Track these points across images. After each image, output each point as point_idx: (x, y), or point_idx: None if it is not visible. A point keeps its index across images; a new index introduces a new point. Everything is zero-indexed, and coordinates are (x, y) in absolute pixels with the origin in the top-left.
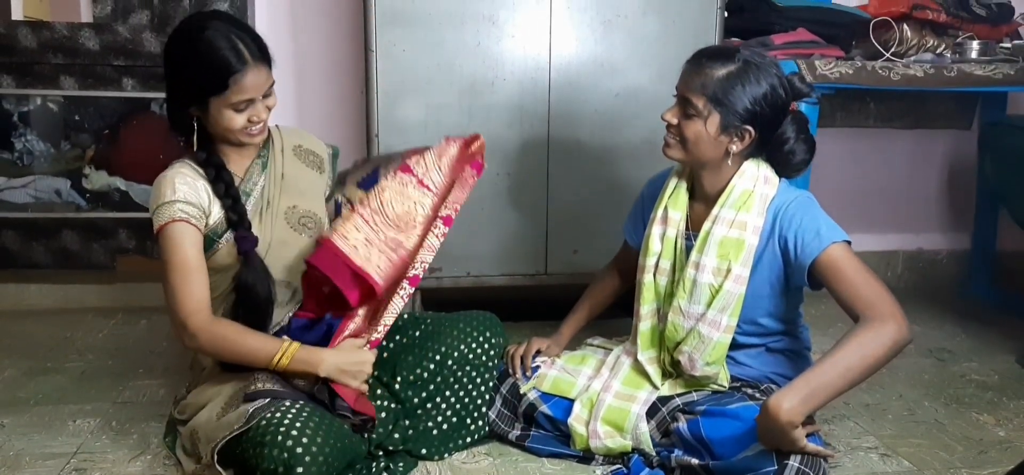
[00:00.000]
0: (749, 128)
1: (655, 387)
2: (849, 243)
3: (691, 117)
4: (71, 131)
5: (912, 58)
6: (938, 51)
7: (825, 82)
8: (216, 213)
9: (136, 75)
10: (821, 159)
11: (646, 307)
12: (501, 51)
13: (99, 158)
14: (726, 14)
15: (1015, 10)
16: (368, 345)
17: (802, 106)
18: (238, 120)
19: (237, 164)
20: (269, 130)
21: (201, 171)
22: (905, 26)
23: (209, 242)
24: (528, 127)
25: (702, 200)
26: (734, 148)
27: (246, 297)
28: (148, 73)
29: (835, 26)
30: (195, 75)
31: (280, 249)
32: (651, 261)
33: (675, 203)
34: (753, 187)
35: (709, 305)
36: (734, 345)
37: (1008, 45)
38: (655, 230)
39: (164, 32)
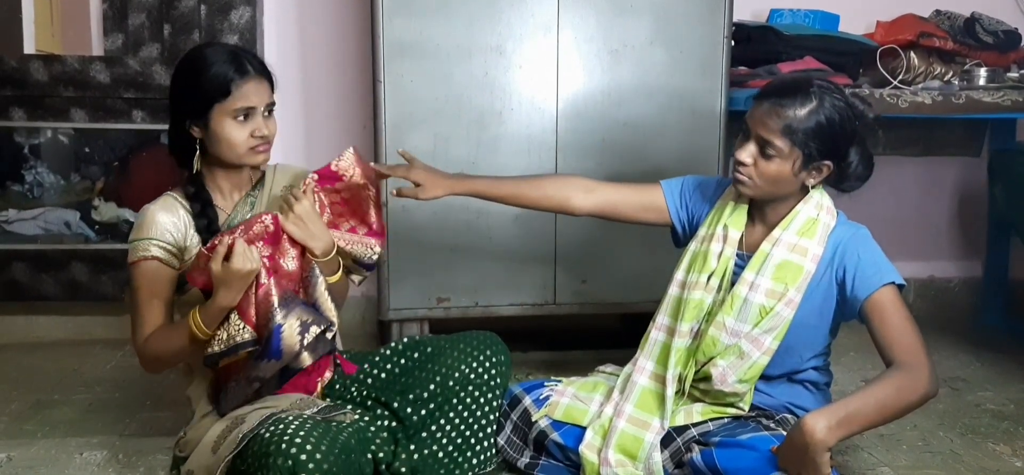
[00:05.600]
0: (828, 162)
1: (668, 409)
2: (902, 287)
3: (771, 157)
4: (81, 163)
5: (920, 86)
6: (946, 79)
7: None
8: (195, 250)
9: (146, 107)
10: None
11: (686, 325)
12: (509, 82)
13: (108, 190)
14: (733, 44)
15: (1022, 37)
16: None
17: None
18: (241, 133)
19: (228, 199)
20: (266, 171)
21: (187, 206)
22: (912, 54)
23: (184, 278)
24: (536, 157)
25: (760, 222)
26: (811, 182)
27: None
28: (158, 105)
29: (842, 54)
30: (200, 84)
31: None
32: (703, 278)
33: (736, 223)
34: (817, 215)
35: (756, 324)
36: (763, 376)
37: (1016, 73)
38: (713, 247)
39: (174, 65)
